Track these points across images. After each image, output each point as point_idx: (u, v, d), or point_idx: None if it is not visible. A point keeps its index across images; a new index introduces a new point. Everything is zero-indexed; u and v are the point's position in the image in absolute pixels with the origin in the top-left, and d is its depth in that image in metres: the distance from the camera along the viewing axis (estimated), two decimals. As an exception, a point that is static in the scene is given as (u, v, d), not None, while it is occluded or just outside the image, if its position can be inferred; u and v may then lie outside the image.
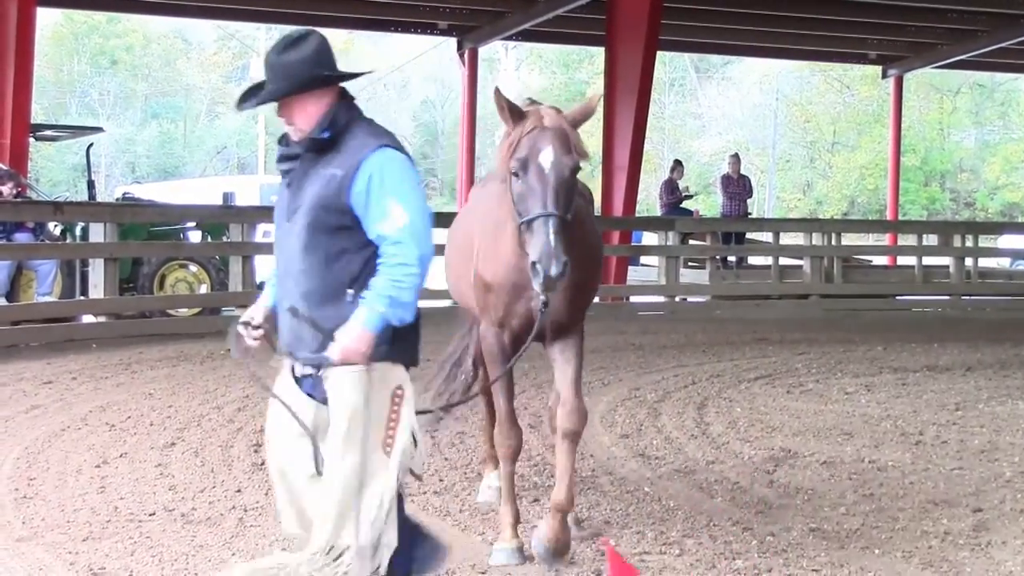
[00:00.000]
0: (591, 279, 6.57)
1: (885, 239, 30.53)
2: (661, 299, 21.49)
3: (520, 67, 66.08)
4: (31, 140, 21.25)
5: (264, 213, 20.20)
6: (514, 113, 5.88)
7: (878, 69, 33.03)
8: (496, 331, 6.40)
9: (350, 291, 4.63)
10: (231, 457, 8.72)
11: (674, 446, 9.31)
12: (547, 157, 5.72)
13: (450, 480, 8.14)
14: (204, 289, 18.06)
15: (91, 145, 22.47)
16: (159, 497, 7.56)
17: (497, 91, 5.85)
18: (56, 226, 17.32)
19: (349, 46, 64.49)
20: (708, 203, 43.43)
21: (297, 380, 4.83)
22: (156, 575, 6.02)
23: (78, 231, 17.43)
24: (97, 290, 16.31)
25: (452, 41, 27.97)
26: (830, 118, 64.52)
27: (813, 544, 6.72)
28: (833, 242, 23.33)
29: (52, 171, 57.37)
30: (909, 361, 14.66)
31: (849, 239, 26.45)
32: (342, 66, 4.86)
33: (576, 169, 5.76)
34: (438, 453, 8.99)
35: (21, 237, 16.42)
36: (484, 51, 29.56)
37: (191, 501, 7.47)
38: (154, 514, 7.15)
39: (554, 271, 5.46)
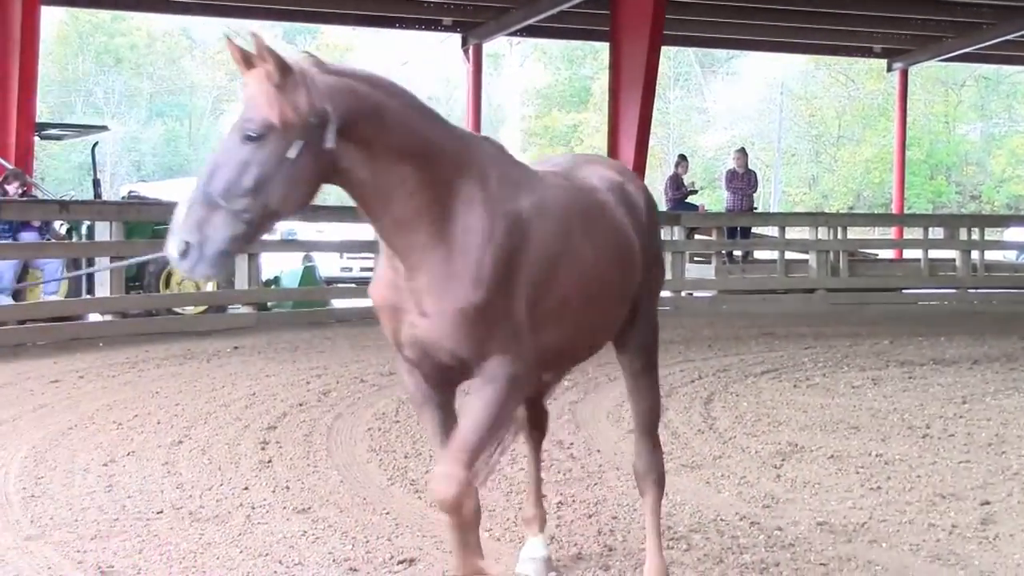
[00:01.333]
0: (502, 302, 4.74)
1: (891, 232, 30.55)
2: (667, 294, 21.50)
3: (524, 63, 66.06)
4: (36, 139, 21.31)
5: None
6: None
7: (883, 62, 33.04)
8: (406, 368, 5.09)
9: None
10: (238, 455, 8.72)
11: (680, 441, 9.30)
12: (231, 122, 4.50)
13: (457, 476, 8.12)
14: (210, 287, 18.09)
15: (96, 144, 22.53)
16: (167, 495, 7.57)
17: (255, 38, 4.42)
18: (62, 225, 17.37)
19: (354, 42, 64.52)
20: (713, 198, 43.43)
21: None
22: (164, 573, 6.02)
23: (84, 230, 17.47)
24: (103, 288, 16.35)
25: (457, 37, 27.98)
26: (835, 112, 64.54)
27: (820, 538, 6.71)
28: (839, 236, 23.34)
29: (57, 170, 57.46)
30: (915, 355, 14.64)
31: (855, 233, 26.42)
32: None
33: (248, 136, 4.33)
34: (445, 449, 8.98)
35: (27, 236, 16.47)
36: (488, 47, 29.56)
37: (199, 499, 7.48)
38: (162, 512, 7.15)
39: (169, 249, 4.36)
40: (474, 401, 4.80)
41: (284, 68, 4.33)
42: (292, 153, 4.32)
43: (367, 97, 4.50)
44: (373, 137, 4.49)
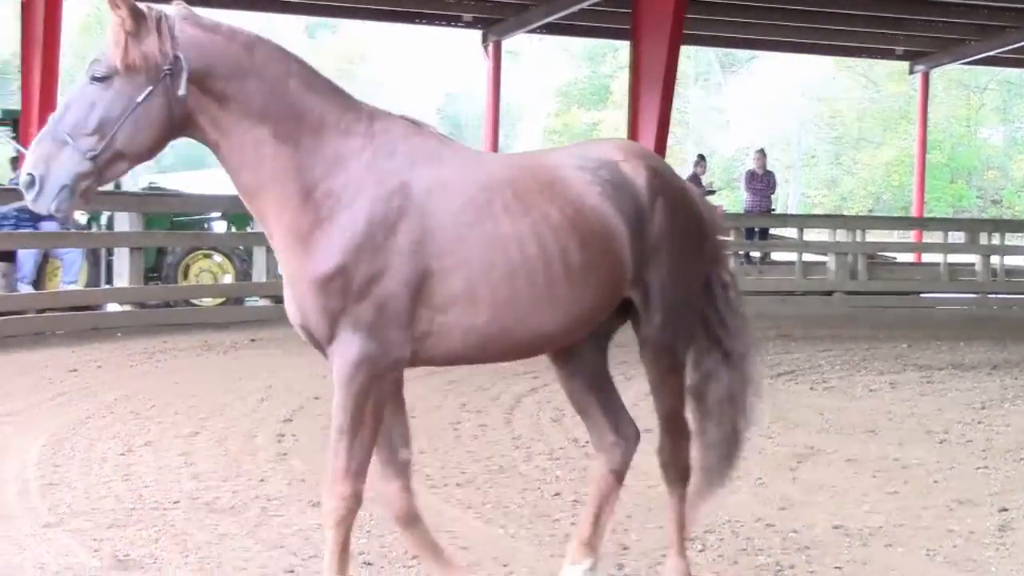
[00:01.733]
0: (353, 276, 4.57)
1: (911, 236, 30.40)
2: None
3: (544, 60, 66.00)
4: (58, 129, 21.36)
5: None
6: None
7: (905, 65, 32.92)
8: None
9: None
10: (255, 446, 8.74)
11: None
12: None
13: (472, 472, 8.14)
14: (228, 279, 18.14)
15: (117, 135, 22.55)
16: (183, 485, 7.59)
17: None
18: (82, 215, 17.41)
19: (374, 37, 64.56)
20: (732, 198, 43.35)
21: None
22: (180, 563, 6.03)
23: (104, 220, 17.52)
24: (122, 279, 16.41)
25: (477, 34, 27.97)
26: (856, 114, 64.28)
27: (836, 541, 6.69)
28: (858, 238, 23.28)
29: (78, 160, 57.66)
30: (934, 359, 14.60)
31: (874, 236, 26.33)
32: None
33: (94, 78, 4.47)
34: (460, 446, 8.99)
35: (47, 226, 16.52)
36: (508, 44, 29.53)
37: (215, 490, 7.49)
38: (178, 502, 7.17)
39: (20, 180, 4.53)
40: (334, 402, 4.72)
41: (136, 15, 4.45)
42: (140, 97, 4.45)
43: (233, 56, 4.59)
44: (231, 95, 4.57)
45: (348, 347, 4.60)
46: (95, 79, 4.46)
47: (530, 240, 4.81)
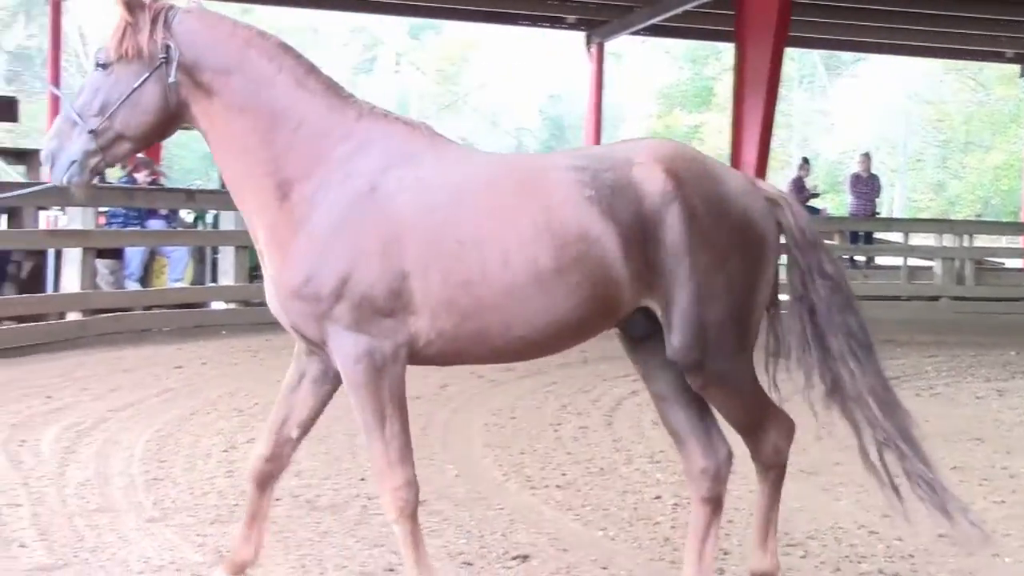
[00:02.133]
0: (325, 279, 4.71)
1: (1019, 241, 29.84)
2: (786, 298, 21.23)
3: (646, 62, 65.82)
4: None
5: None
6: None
7: (1015, 68, 32.33)
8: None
9: None
10: (356, 445, 8.78)
11: (799, 446, 9.09)
12: None
13: (573, 475, 8.13)
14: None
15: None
16: (285, 483, 7.61)
17: None
18: (188, 213, 17.70)
19: (479, 38, 64.85)
20: (836, 202, 42.87)
21: None
22: (281, 559, 6.09)
23: (209, 219, 17.77)
24: (227, 277, 16.64)
25: (580, 35, 27.94)
26: (964, 117, 63.25)
27: (941, 550, 6.57)
28: (965, 243, 22.93)
29: (185, 159, 58.59)
30: (1043, 367, 14.33)
31: (981, 241, 25.92)
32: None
33: (98, 64, 4.84)
34: (561, 447, 8.99)
35: (154, 224, 16.81)
36: (611, 45, 29.46)
37: (316, 488, 7.56)
38: (280, 499, 7.22)
39: (42, 155, 4.94)
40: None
41: (131, 6, 4.81)
42: (136, 83, 4.81)
43: (224, 51, 4.84)
44: (216, 89, 4.83)
45: (342, 345, 4.76)
46: (99, 65, 4.85)
47: (491, 245, 4.71)
